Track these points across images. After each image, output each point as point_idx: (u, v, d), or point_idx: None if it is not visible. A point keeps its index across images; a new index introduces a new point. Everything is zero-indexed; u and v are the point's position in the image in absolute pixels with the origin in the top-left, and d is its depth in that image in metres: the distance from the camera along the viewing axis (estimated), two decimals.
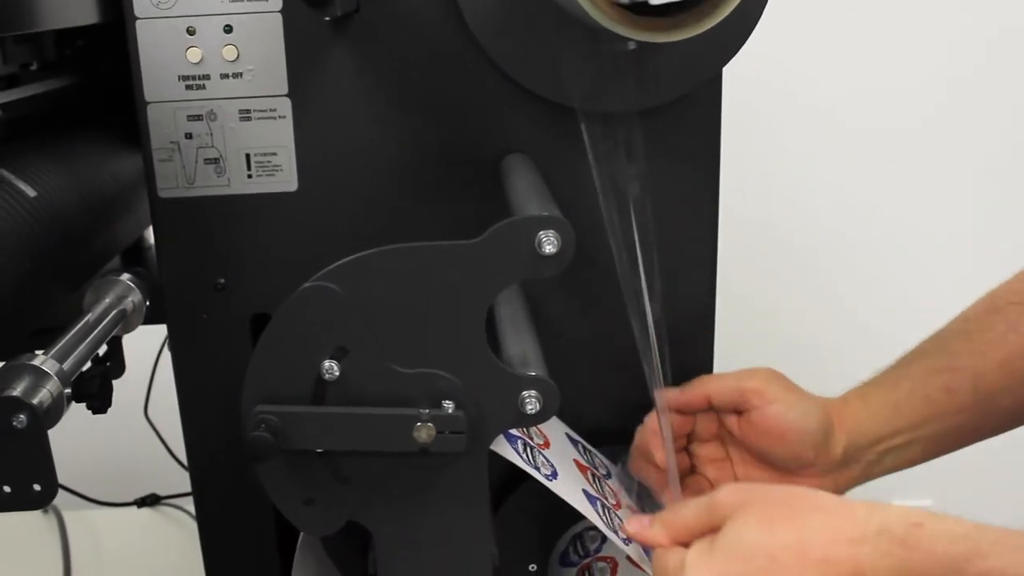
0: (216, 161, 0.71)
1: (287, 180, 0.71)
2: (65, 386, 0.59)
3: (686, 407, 0.73)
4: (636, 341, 0.67)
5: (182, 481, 1.04)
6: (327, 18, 0.66)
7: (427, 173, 0.72)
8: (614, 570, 0.77)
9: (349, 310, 0.56)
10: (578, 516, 0.71)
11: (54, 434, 0.56)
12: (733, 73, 0.71)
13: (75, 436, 0.87)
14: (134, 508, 1.31)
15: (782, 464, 0.71)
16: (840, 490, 0.72)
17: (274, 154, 0.71)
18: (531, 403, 0.58)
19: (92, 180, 0.78)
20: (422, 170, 0.72)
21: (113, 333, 0.71)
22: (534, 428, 0.70)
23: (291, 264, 0.72)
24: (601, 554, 0.77)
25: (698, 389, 0.72)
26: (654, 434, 0.70)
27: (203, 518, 0.80)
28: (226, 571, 0.81)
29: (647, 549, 0.69)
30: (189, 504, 1.26)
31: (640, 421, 0.73)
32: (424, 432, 0.57)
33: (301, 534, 0.78)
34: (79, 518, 1.27)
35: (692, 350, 0.76)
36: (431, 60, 0.69)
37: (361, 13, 0.68)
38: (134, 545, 1.25)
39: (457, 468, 0.60)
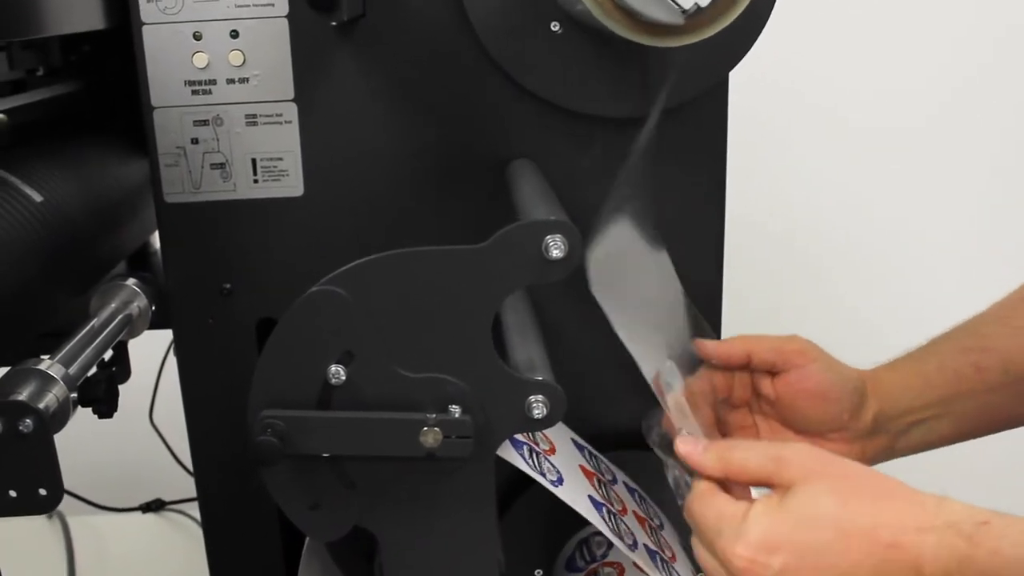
0: (222, 166, 0.71)
1: (293, 185, 0.71)
2: (71, 390, 0.59)
3: (725, 360, 0.72)
4: None
5: (187, 487, 1.04)
6: (333, 23, 0.66)
7: (433, 178, 0.72)
8: None
9: (356, 314, 0.56)
10: (584, 522, 0.71)
11: (59, 440, 0.56)
12: (736, 72, 0.71)
13: (80, 441, 0.87)
14: (139, 513, 1.31)
15: (814, 427, 0.71)
16: (867, 459, 0.72)
17: (280, 159, 0.71)
18: (538, 407, 0.58)
19: (98, 185, 0.78)
20: (428, 175, 0.72)
21: (119, 338, 0.71)
22: (540, 434, 0.70)
23: (297, 269, 0.72)
24: (607, 560, 0.77)
25: (739, 345, 0.72)
26: (693, 394, 0.70)
27: (208, 523, 0.80)
28: (231, 575, 0.81)
29: (653, 551, 0.68)
30: (194, 509, 1.26)
31: None
32: (431, 436, 0.57)
33: (307, 539, 0.78)
34: (84, 524, 1.27)
35: None
36: (437, 65, 0.69)
37: (367, 18, 0.68)
38: (139, 551, 1.25)
39: (463, 473, 0.60)
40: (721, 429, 0.75)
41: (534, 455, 0.66)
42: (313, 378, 0.57)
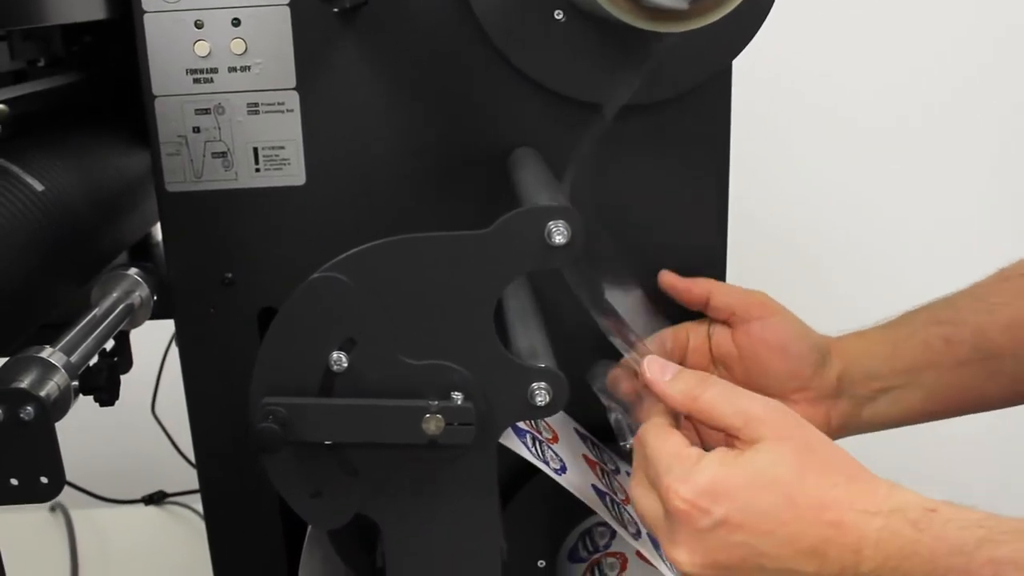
0: (224, 155, 0.71)
1: (295, 174, 0.71)
2: (72, 379, 0.59)
3: (686, 294, 0.72)
4: None
5: (189, 478, 1.04)
6: (335, 10, 0.66)
7: (436, 166, 0.71)
8: (623, 566, 0.77)
9: (358, 301, 0.56)
10: (587, 512, 0.71)
11: (61, 432, 0.56)
12: (736, 71, 0.71)
13: (82, 433, 0.87)
14: (141, 505, 1.31)
15: (776, 384, 0.70)
16: (831, 424, 0.72)
17: (282, 148, 0.71)
18: (540, 395, 0.57)
19: (100, 176, 0.78)
20: (431, 163, 0.71)
21: (120, 327, 0.71)
22: (543, 423, 0.70)
23: (299, 258, 0.72)
24: (610, 550, 0.77)
25: (702, 284, 0.72)
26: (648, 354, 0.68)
27: (210, 514, 0.80)
28: (233, 567, 0.81)
29: (656, 540, 0.68)
30: (196, 501, 1.25)
31: None
32: (433, 424, 0.57)
33: (308, 530, 0.78)
34: (86, 516, 1.27)
35: None
36: (440, 52, 0.69)
37: (369, 5, 0.68)
38: (141, 543, 1.25)
39: (466, 461, 0.60)
40: None
41: (537, 443, 0.66)
42: (315, 365, 0.57)
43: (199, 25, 0.68)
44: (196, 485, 0.80)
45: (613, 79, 0.67)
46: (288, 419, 0.57)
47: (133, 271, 0.75)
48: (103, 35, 0.83)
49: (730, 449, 0.57)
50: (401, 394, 0.57)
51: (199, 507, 0.83)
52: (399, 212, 0.72)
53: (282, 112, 0.70)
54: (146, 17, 0.68)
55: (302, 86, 0.69)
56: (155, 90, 0.69)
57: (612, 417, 0.67)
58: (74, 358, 0.61)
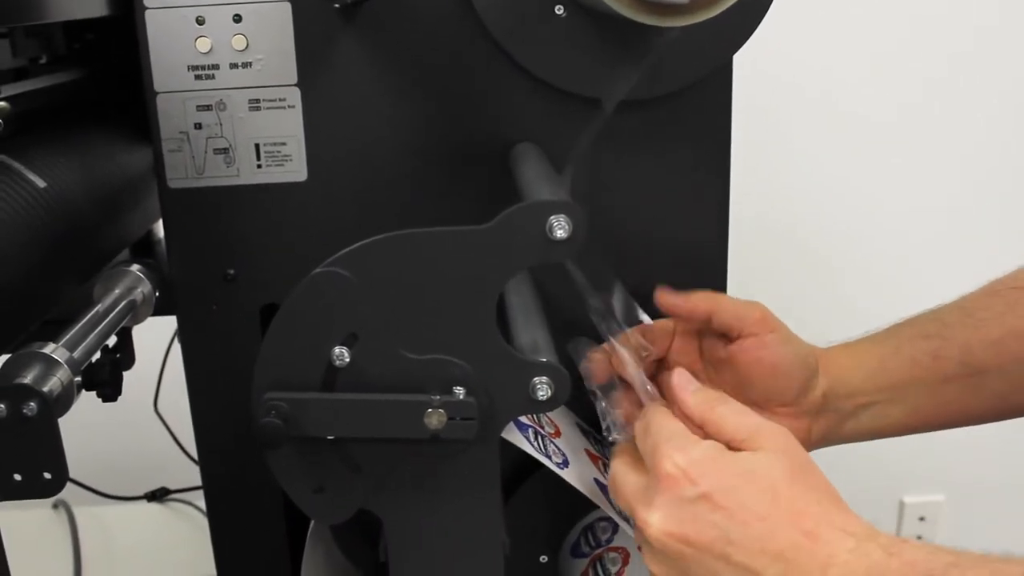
0: (225, 151, 0.71)
1: (297, 170, 0.71)
2: (75, 374, 0.59)
3: (689, 315, 0.71)
4: None
5: (192, 475, 1.04)
6: (336, 5, 0.66)
7: (437, 162, 0.72)
8: (625, 561, 0.77)
9: (360, 296, 0.56)
10: (589, 507, 0.71)
11: (64, 429, 0.56)
12: (737, 66, 0.71)
13: (85, 430, 0.87)
14: (144, 502, 1.32)
15: (762, 398, 0.71)
16: (811, 437, 0.72)
17: (284, 144, 0.71)
18: (542, 389, 0.57)
19: (102, 172, 0.78)
20: (432, 159, 0.71)
21: (123, 324, 0.71)
22: (545, 417, 0.70)
23: (301, 254, 0.72)
24: (612, 545, 0.77)
25: (704, 303, 0.71)
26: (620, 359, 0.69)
27: (213, 511, 0.80)
28: (236, 563, 0.81)
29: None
30: (199, 498, 1.26)
31: None
32: (435, 418, 0.57)
33: (311, 525, 0.78)
34: (89, 513, 1.27)
35: None
36: (441, 48, 0.69)
37: (370, 1, 0.68)
38: (144, 540, 1.25)
39: (468, 455, 0.60)
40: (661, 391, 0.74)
41: (539, 438, 0.66)
42: (317, 360, 0.57)
43: (200, 21, 0.68)
44: (199, 482, 0.80)
45: (614, 74, 0.67)
46: (290, 414, 0.57)
47: (135, 267, 0.75)
48: (105, 32, 0.83)
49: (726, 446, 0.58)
50: (403, 389, 0.57)
51: (202, 504, 0.83)
52: (401, 208, 0.72)
53: (283, 108, 0.70)
54: (147, 13, 0.68)
55: (303, 82, 0.69)
56: (157, 86, 0.69)
57: (599, 406, 0.68)
58: (77, 354, 0.61)
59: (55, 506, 1.29)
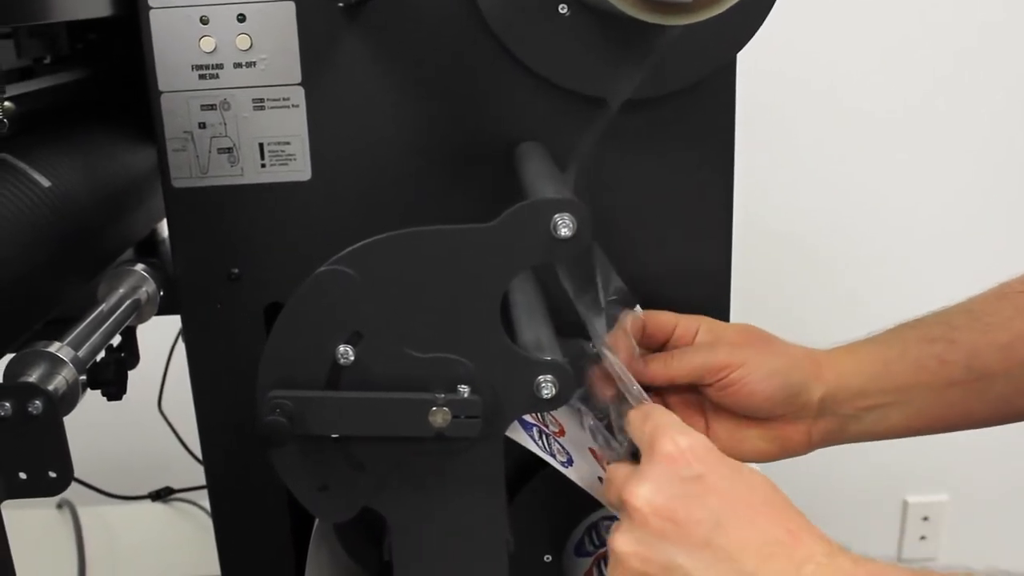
0: (230, 151, 0.71)
1: (301, 169, 0.71)
2: (80, 373, 0.59)
3: (670, 383, 0.72)
4: None
5: (196, 475, 1.04)
6: (340, 4, 0.66)
7: (441, 161, 0.72)
8: None
9: (364, 294, 0.56)
10: (593, 506, 0.71)
11: (69, 429, 0.56)
12: (741, 62, 0.71)
13: (89, 430, 0.87)
14: (148, 502, 1.32)
15: (752, 416, 0.71)
16: (811, 440, 0.72)
17: (287, 143, 0.71)
18: (547, 387, 0.57)
19: (106, 172, 0.78)
20: (436, 158, 0.72)
21: (127, 323, 0.71)
22: (549, 416, 0.70)
23: (305, 254, 0.72)
24: None
25: (659, 370, 0.71)
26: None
27: (217, 510, 0.80)
28: (240, 563, 0.81)
29: None
30: (203, 498, 1.26)
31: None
32: (439, 416, 0.57)
33: (315, 526, 0.78)
34: (94, 513, 1.27)
35: None
36: (444, 47, 0.69)
37: (374, 0, 0.68)
38: (148, 539, 1.25)
39: (472, 454, 0.60)
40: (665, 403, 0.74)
41: (544, 437, 0.66)
42: (322, 358, 0.57)
43: (204, 21, 0.68)
44: (203, 481, 0.80)
45: (617, 73, 0.67)
46: (295, 412, 0.57)
47: (140, 267, 0.75)
48: (109, 32, 0.83)
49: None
50: (407, 387, 0.58)
51: (206, 503, 0.83)
52: (405, 206, 0.72)
53: (287, 108, 0.70)
54: (152, 13, 0.68)
55: (307, 81, 0.70)
56: (161, 86, 0.69)
57: (585, 423, 0.69)
58: (82, 353, 0.61)
59: (59, 505, 1.29)
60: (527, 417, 0.66)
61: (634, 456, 0.63)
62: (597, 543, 0.77)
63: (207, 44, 0.68)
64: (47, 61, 0.77)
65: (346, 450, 0.60)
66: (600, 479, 0.68)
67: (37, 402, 0.55)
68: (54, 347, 0.59)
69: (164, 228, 0.82)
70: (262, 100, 0.70)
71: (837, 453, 0.76)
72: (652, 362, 0.71)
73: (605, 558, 0.77)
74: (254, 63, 0.69)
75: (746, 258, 0.81)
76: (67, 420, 0.57)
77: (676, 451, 0.56)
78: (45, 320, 0.69)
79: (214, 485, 0.80)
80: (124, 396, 0.78)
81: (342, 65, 0.69)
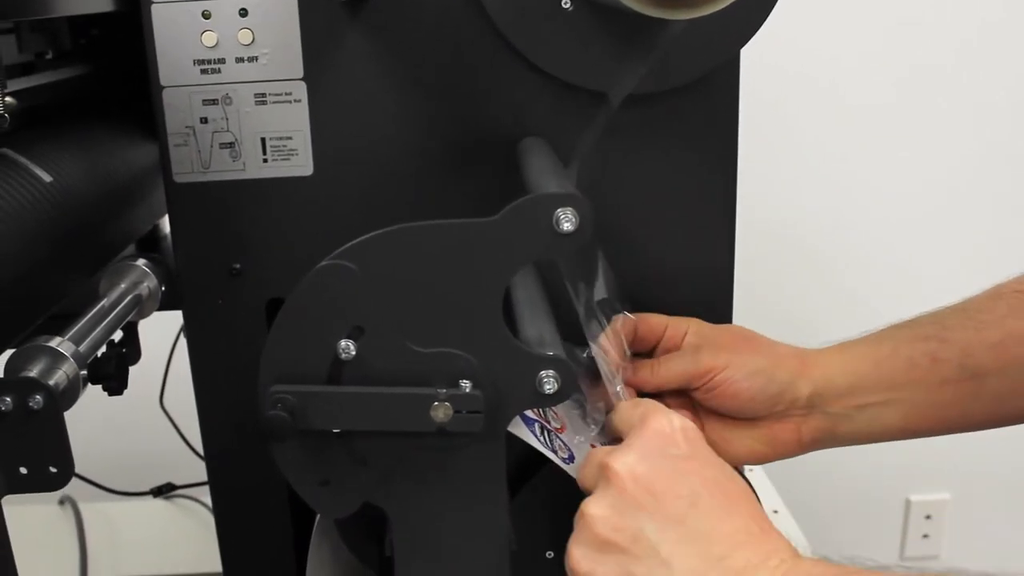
0: (231, 145, 0.71)
1: (303, 164, 0.71)
2: (81, 368, 0.59)
3: (657, 389, 0.72)
4: None
5: (198, 471, 1.04)
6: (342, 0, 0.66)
7: (443, 156, 0.71)
8: None
9: (365, 289, 0.56)
10: None
11: (70, 425, 0.56)
12: (744, 57, 0.71)
13: (91, 427, 0.87)
14: (150, 498, 1.32)
15: (740, 417, 0.72)
16: (801, 438, 0.72)
17: (289, 138, 0.71)
18: (549, 383, 0.57)
19: (107, 167, 0.78)
20: (438, 153, 0.71)
21: (129, 318, 0.71)
22: (551, 411, 0.70)
23: (307, 249, 0.72)
24: None
25: (671, 375, 0.71)
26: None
27: (219, 506, 0.80)
28: (242, 559, 0.81)
29: None
30: (204, 494, 1.26)
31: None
32: (441, 411, 0.57)
33: (316, 521, 0.78)
34: (95, 509, 1.27)
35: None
36: (447, 42, 0.69)
37: None
38: (150, 535, 1.25)
39: (474, 449, 0.60)
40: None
41: (545, 432, 0.66)
42: (323, 353, 0.57)
43: (206, 15, 0.68)
44: (205, 477, 0.80)
45: (621, 68, 0.67)
46: (297, 407, 0.57)
47: (141, 262, 0.75)
48: (111, 27, 0.83)
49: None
50: (409, 382, 0.57)
51: (208, 499, 0.83)
52: (407, 201, 0.72)
53: (289, 102, 0.70)
54: (153, 8, 0.68)
55: (309, 76, 0.69)
56: (163, 81, 0.69)
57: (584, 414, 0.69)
58: (83, 347, 0.61)
59: (61, 502, 1.29)
60: (529, 413, 0.66)
61: None
62: None
63: (209, 39, 0.68)
64: (49, 56, 0.77)
65: (348, 445, 0.60)
66: None
67: (38, 397, 0.55)
68: (55, 342, 0.59)
69: (166, 224, 0.82)
70: (264, 95, 0.70)
71: (840, 452, 0.76)
72: (640, 369, 0.71)
73: None
74: (256, 58, 0.69)
75: (747, 256, 0.81)
76: (69, 417, 0.57)
77: (668, 428, 0.57)
78: (47, 315, 0.69)
79: (216, 481, 0.80)
80: (126, 392, 0.77)
81: (344, 60, 0.69)
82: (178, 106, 0.70)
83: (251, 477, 0.78)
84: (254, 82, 0.69)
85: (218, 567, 0.81)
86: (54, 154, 0.70)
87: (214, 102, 0.70)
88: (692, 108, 0.71)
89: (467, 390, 0.57)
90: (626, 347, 0.70)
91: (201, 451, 0.79)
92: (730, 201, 0.74)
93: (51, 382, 0.56)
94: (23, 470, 0.56)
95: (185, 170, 0.71)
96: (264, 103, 0.70)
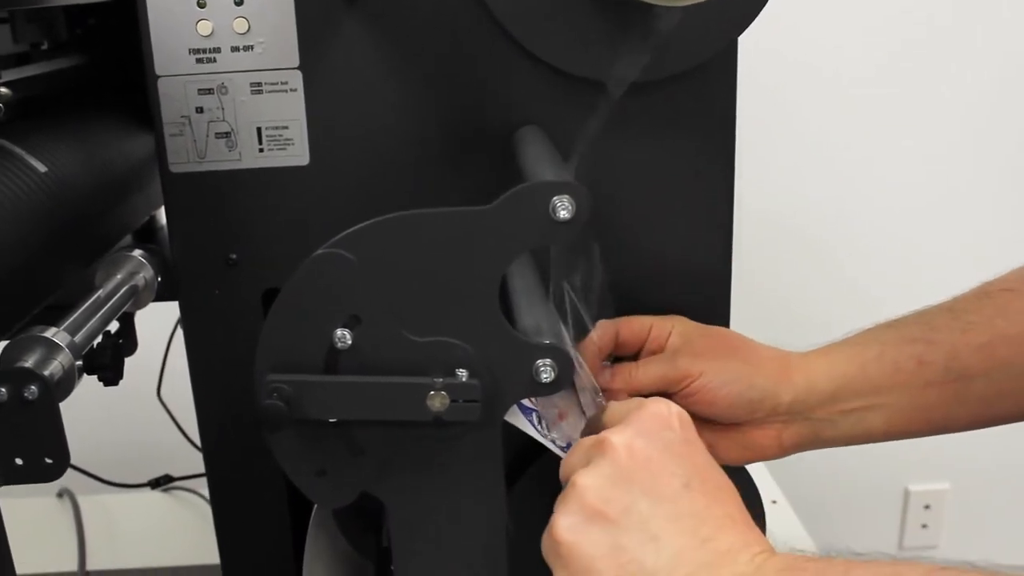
0: (227, 135, 0.70)
1: (299, 154, 0.71)
2: (77, 358, 0.59)
3: (636, 393, 0.72)
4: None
5: (195, 463, 1.04)
6: None
7: (440, 145, 0.71)
8: None
9: (362, 278, 0.56)
10: None
11: (67, 417, 0.56)
12: (741, 44, 0.70)
13: (89, 419, 0.87)
14: (148, 490, 1.32)
15: (719, 422, 0.71)
16: (782, 443, 0.72)
17: (285, 128, 0.70)
18: (545, 371, 0.57)
19: (103, 158, 0.78)
20: (435, 142, 0.71)
21: (125, 308, 0.71)
22: (551, 400, 0.70)
23: (303, 239, 0.71)
24: None
25: (649, 379, 0.71)
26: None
27: (216, 498, 0.80)
28: (240, 550, 0.81)
29: None
30: (202, 485, 1.26)
31: None
32: (438, 400, 0.56)
33: (313, 511, 0.78)
34: (93, 501, 1.27)
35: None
36: (443, 31, 0.69)
37: None
38: (148, 527, 1.25)
39: (471, 439, 0.60)
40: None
41: (543, 422, 0.66)
42: (319, 342, 0.57)
43: (201, 4, 0.67)
44: (202, 469, 0.80)
45: (618, 55, 0.66)
46: (293, 396, 0.57)
47: (137, 252, 0.75)
48: (106, 17, 0.82)
49: None
50: (406, 371, 0.57)
51: (206, 491, 0.83)
52: (403, 191, 0.72)
53: (285, 92, 0.70)
54: None
55: (305, 65, 0.69)
56: (158, 70, 0.69)
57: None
58: (78, 338, 0.61)
59: (59, 494, 1.29)
60: (527, 402, 0.66)
61: None
62: None
63: (204, 28, 0.68)
64: (44, 47, 0.77)
65: (344, 435, 0.60)
66: None
67: (33, 387, 0.54)
68: (50, 332, 0.58)
69: (163, 215, 0.82)
70: (260, 84, 0.69)
71: None
72: (618, 374, 0.71)
73: None
74: (252, 47, 0.69)
75: (746, 247, 0.80)
76: (68, 410, 0.57)
77: (666, 412, 0.57)
78: (42, 306, 0.69)
79: (213, 473, 0.79)
80: (124, 385, 0.77)
81: (340, 49, 0.69)
82: (173, 95, 0.69)
83: (248, 468, 0.77)
84: (250, 71, 0.69)
85: (216, 559, 0.81)
86: (50, 144, 0.70)
87: (210, 91, 0.69)
88: (689, 96, 0.71)
89: (463, 379, 0.57)
90: (603, 357, 0.71)
91: (198, 443, 0.79)
92: (728, 190, 0.74)
93: (46, 372, 0.55)
94: (19, 461, 0.56)
95: (181, 160, 0.71)
96: (260, 92, 0.70)
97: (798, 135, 1.66)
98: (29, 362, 0.56)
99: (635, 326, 0.72)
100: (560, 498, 0.56)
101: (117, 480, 1.31)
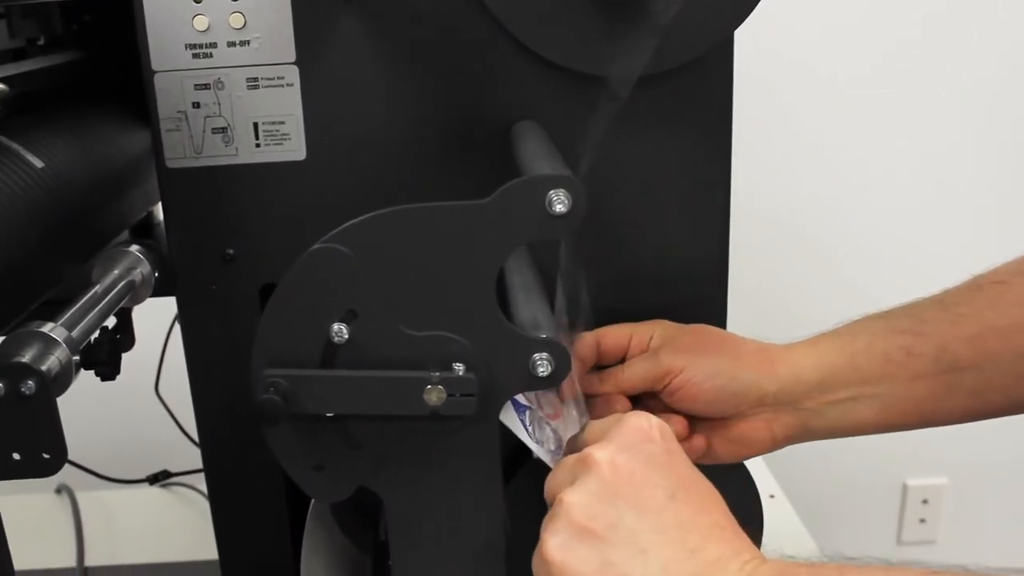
0: (224, 130, 0.70)
1: (295, 149, 0.71)
2: (74, 353, 0.59)
3: (623, 393, 0.72)
4: None
5: (193, 458, 1.04)
6: None
7: (437, 140, 0.71)
8: None
9: (358, 272, 0.56)
10: None
11: (65, 413, 0.56)
12: (737, 39, 0.70)
13: (87, 415, 0.87)
14: (146, 486, 1.32)
15: (707, 417, 0.72)
16: (775, 436, 0.72)
17: (282, 123, 0.70)
18: (542, 365, 0.57)
19: (100, 153, 0.78)
20: (432, 138, 0.71)
21: (122, 304, 0.71)
22: (545, 397, 0.70)
23: (300, 234, 0.71)
24: None
25: (634, 378, 0.72)
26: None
27: (214, 493, 0.80)
28: (238, 546, 0.81)
29: None
30: (200, 481, 1.26)
31: None
32: (434, 395, 0.56)
33: (311, 506, 0.78)
34: (92, 497, 1.27)
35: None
36: (440, 24, 0.69)
37: None
38: (147, 523, 1.25)
39: (468, 433, 0.60)
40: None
41: (535, 421, 0.66)
42: (316, 336, 0.57)
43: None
44: (200, 465, 0.80)
45: (614, 50, 0.66)
46: (290, 391, 0.57)
47: (135, 248, 0.75)
48: (103, 12, 0.82)
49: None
50: (403, 365, 0.57)
51: (203, 486, 0.83)
52: (400, 186, 0.72)
53: (282, 87, 0.70)
54: None
55: (302, 60, 0.69)
56: (154, 65, 0.69)
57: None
58: (75, 333, 0.61)
59: (58, 490, 1.29)
60: (521, 399, 0.66)
61: None
62: None
63: (200, 23, 0.68)
64: (41, 42, 0.77)
65: (341, 430, 0.60)
66: None
67: (30, 382, 0.54)
68: (48, 327, 0.58)
69: (160, 210, 0.82)
70: (256, 79, 0.69)
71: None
72: (607, 378, 0.72)
73: None
74: (248, 42, 0.68)
75: (743, 247, 0.80)
76: (64, 405, 0.57)
77: (646, 425, 0.57)
78: (40, 302, 0.69)
79: (211, 468, 0.79)
80: (122, 381, 0.77)
81: (337, 44, 0.69)
82: (170, 91, 0.69)
83: (246, 464, 0.78)
84: (246, 66, 0.69)
85: (214, 554, 0.81)
86: (46, 140, 0.70)
87: (206, 87, 0.69)
88: (686, 90, 0.71)
89: (460, 373, 0.57)
90: (587, 368, 0.71)
91: (196, 438, 0.79)
92: (724, 186, 0.74)
93: (43, 368, 0.55)
94: (16, 456, 0.56)
95: (177, 155, 0.71)
96: (256, 87, 0.70)
97: (794, 135, 1.66)
98: (26, 357, 0.56)
99: (616, 335, 0.73)
100: (547, 517, 0.56)
101: (115, 476, 1.31)
